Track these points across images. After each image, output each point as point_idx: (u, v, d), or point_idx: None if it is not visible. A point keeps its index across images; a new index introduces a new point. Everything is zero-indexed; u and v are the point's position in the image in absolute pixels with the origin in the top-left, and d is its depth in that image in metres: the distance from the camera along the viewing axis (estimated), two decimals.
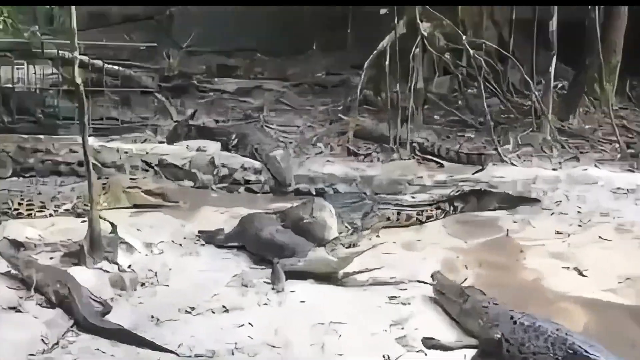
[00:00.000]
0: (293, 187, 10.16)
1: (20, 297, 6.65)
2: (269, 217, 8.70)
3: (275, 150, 10.61)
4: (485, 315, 6.31)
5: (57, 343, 6.14)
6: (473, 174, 10.85)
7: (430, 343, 6.29)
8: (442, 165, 11.38)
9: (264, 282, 7.40)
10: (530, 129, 12.42)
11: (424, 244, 8.64)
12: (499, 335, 6.01)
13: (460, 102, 14.29)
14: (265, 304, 7.01)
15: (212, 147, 11.40)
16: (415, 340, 6.37)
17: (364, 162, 11.44)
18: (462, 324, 6.60)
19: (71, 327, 6.40)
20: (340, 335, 6.44)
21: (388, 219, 9.11)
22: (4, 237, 7.82)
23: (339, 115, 13.54)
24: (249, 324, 6.62)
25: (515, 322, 6.00)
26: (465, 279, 7.50)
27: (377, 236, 8.41)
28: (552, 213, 9.54)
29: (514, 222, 9.23)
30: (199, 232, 8.52)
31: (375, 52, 12.44)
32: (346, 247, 7.36)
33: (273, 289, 7.23)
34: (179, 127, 12.34)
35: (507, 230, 8.88)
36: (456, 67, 13.64)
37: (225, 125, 12.81)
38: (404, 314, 6.81)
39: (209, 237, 8.41)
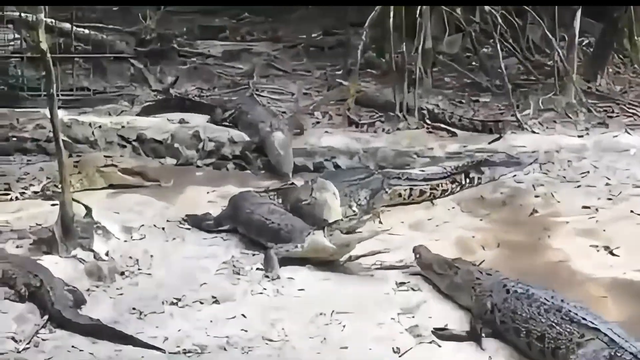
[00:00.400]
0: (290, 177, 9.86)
1: None
2: (262, 197, 8.70)
3: (274, 133, 10.41)
4: (479, 286, 6.57)
5: (29, 341, 6.15)
6: (489, 143, 10.86)
7: (442, 333, 6.35)
8: (454, 134, 11.38)
9: (258, 269, 7.43)
10: (553, 92, 12.40)
11: (435, 223, 8.66)
12: (489, 305, 6.34)
13: (473, 62, 14.26)
14: (260, 293, 7.03)
15: (197, 119, 11.39)
16: (427, 329, 6.41)
17: (367, 132, 11.44)
18: (454, 298, 6.83)
19: (44, 323, 6.41)
20: (344, 326, 6.47)
21: (399, 195, 9.14)
22: None
23: (338, 80, 13.52)
24: (242, 315, 6.64)
25: (508, 291, 6.32)
26: (483, 261, 7.53)
27: (380, 222, 8.41)
28: (579, 185, 9.55)
29: (536, 196, 9.24)
30: (185, 216, 8.52)
31: (377, 8, 12.36)
32: (345, 233, 7.37)
33: (266, 276, 7.27)
34: (167, 99, 12.31)
35: (534, 209, 8.86)
36: (469, 23, 13.59)
37: (217, 96, 12.76)
38: (414, 301, 6.85)
39: (197, 222, 8.41)
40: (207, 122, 11.31)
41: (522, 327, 6.09)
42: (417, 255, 7.32)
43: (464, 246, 8.02)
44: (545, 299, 6.09)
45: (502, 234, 8.31)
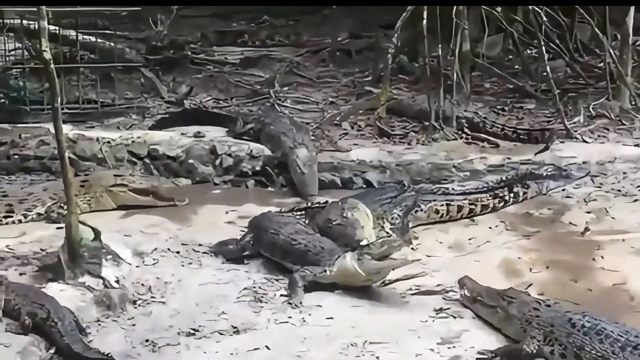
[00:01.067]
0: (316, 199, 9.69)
1: None
2: (287, 217, 8.72)
3: (298, 150, 10.29)
4: (536, 318, 6.47)
5: None
6: (536, 154, 10.82)
7: None
8: (496, 145, 11.36)
9: (282, 295, 7.45)
10: (605, 97, 12.36)
11: (477, 243, 8.62)
12: (531, 350, 6.29)
13: (516, 66, 14.24)
14: (285, 322, 7.04)
15: (213, 133, 11.45)
16: None
17: (399, 144, 11.44)
18: (504, 331, 6.73)
19: (50, 357, 6.45)
20: (377, 358, 6.45)
21: (437, 212, 9.14)
22: None
23: (367, 87, 13.54)
24: (266, 347, 6.65)
25: (574, 325, 6.20)
26: (530, 285, 7.49)
27: (412, 248, 8.41)
28: (635, 200, 9.49)
29: (588, 212, 9.19)
30: (213, 246, 8.46)
31: (409, 8, 12.38)
32: (376, 259, 7.36)
33: (289, 303, 7.28)
34: (183, 111, 12.38)
35: (586, 225, 8.79)
36: (510, 23, 13.57)
37: (236, 107, 12.80)
38: (455, 330, 6.83)
39: (220, 250, 8.38)
40: (227, 134, 11.35)
41: None
42: (464, 288, 7.21)
43: (509, 268, 7.97)
44: (618, 334, 5.98)
45: (550, 255, 8.25)
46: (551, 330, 6.30)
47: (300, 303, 7.27)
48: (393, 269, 7.42)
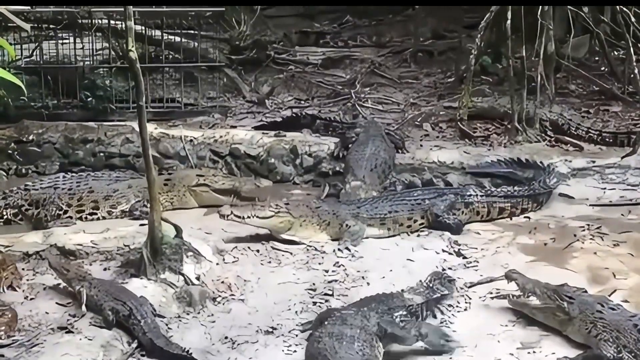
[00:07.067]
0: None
1: (72, 316, 6.88)
2: None
3: (352, 183, 9.67)
4: (600, 321, 6.29)
5: None
6: (622, 158, 10.62)
7: None
8: (580, 148, 11.17)
9: None
10: None
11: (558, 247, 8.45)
12: (611, 355, 6.09)
13: (603, 67, 13.97)
14: None
15: (294, 132, 11.49)
16: None
17: (481, 145, 11.33)
18: (564, 332, 6.57)
19: (132, 351, 6.55)
20: None
21: (477, 213, 9.16)
22: (51, 245, 8.11)
23: (449, 87, 13.44)
24: None
25: None
26: (614, 291, 7.33)
27: None
28: None
29: None
30: None
31: (493, 8, 12.24)
32: None
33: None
34: (295, 117, 12.21)
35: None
36: (597, 23, 13.32)
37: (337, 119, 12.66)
38: (535, 335, 6.73)
39: None
40: (338, 144, 11.08)
41: None
42: (510, 282, 7.00)
43: (593, 275, 7.79)
44: None
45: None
46: (617, 336, 6.16)
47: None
48: None
